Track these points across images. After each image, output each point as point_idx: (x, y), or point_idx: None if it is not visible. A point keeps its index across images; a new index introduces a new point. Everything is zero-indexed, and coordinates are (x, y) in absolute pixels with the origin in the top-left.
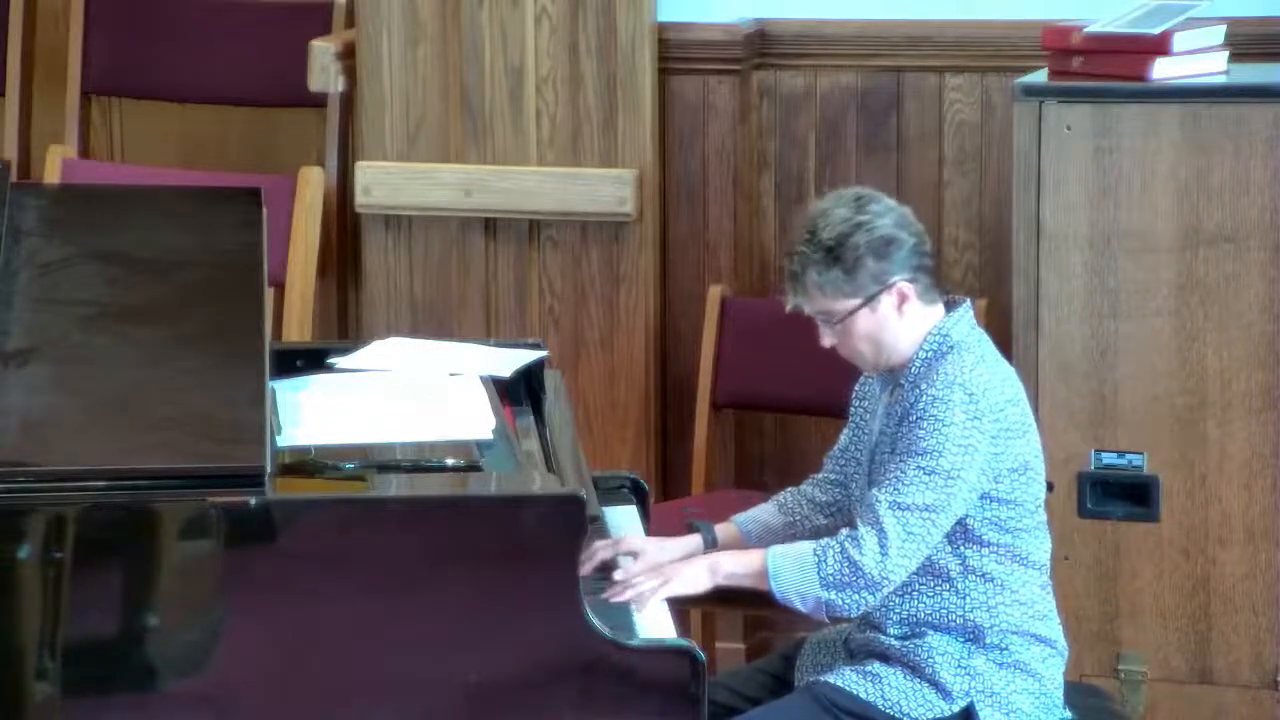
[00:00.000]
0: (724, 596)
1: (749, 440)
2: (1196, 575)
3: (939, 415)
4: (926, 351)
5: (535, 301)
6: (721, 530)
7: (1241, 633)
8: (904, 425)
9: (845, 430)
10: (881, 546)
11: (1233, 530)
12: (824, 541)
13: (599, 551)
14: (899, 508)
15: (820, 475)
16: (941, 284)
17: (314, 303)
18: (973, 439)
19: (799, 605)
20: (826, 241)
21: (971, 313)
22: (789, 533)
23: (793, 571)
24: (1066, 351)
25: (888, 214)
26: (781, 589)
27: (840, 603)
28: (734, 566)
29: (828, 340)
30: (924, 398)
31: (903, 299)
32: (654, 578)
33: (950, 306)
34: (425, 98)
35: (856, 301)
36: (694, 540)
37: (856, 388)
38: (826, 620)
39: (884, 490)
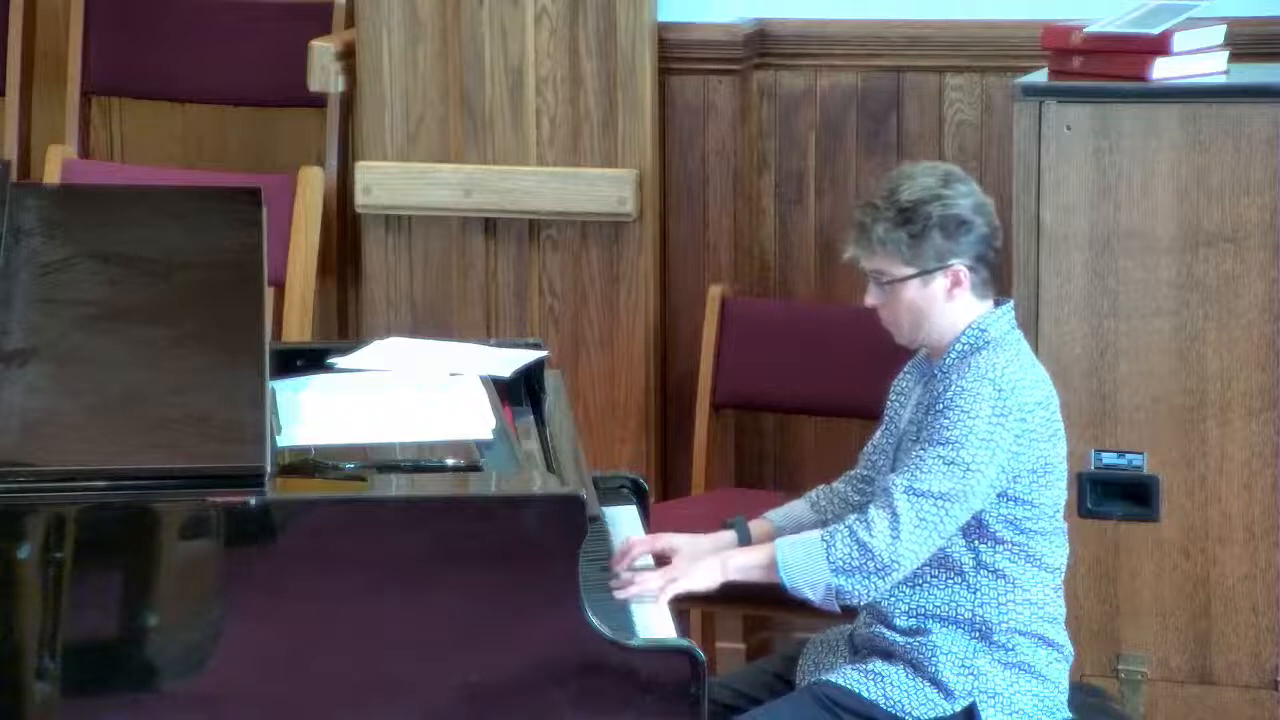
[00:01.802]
0: (726, 595)
1: (749, 440)
2: (1196, 575)
3: (965, 407)
4: (963, 344)
5: (535, 301)
6: (755, 527)
7: (1241, 633)
8: (930, 414)
9: (880, 427)
10: (893, 529)
11: (1233, 530)
12: (832, 527)
13: (635, 547)
14: (914, 493)
15: (854, 472)
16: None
17: (314, 303)
18: (996, 435)
19: (810, 595)
20: (903, 203)
21: (1013, 313)
22: None
23: (801, 559)
24: (1066, 351)
25: (969, 197)
26: (791, 579)
27: (851, 588)
28: (743, 560)
29: (872, 299)
30: (953, 388)
31: (956, 283)
32: (663, 576)
33: (995, 305)
34: (425, 98)
35: (912, 270)
36: (728, 536)
37: (893, 384)
38: (838, 610)
39: (901, 475)
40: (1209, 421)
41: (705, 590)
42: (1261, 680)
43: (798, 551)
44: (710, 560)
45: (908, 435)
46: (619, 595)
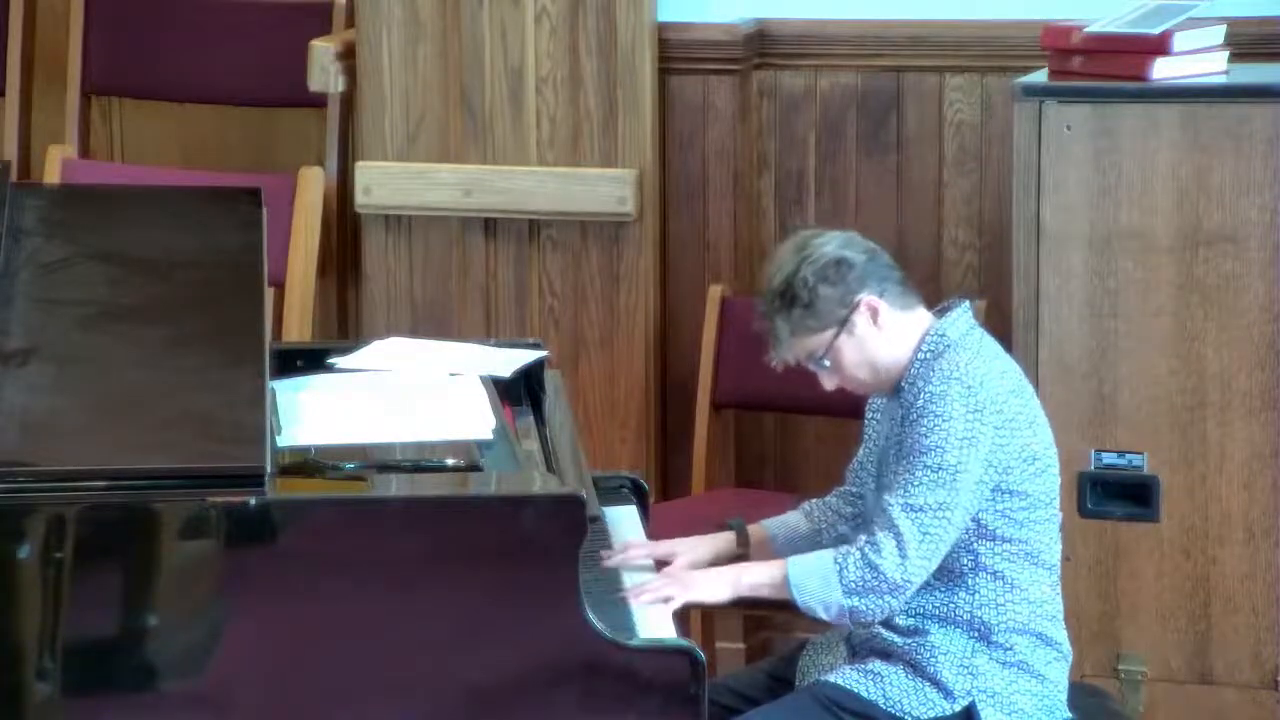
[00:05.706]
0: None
1: (749, 440)
2: (1196, 575)
3: (939, 411)
4: (925, 352)
5: (535, 301)
6: (751, 532)
7: (1241, 633)
8: (906, 425)
9: (861, 445)
10: (900, 549)
11: (1233, 530)
12: (844, 549)
13: (633, 550)
14: (912, 509)
15: (842, 488)
16: (940, 289)
17: (314, 303)
18: (975, 431)
19: (823, 614)
20: (777, 288)
21: (970, 313)
22: (814, 540)
23: (815, 581)
24: (1066, 351)
25: (829, 242)
26: (805, 599)
27: (864, 608)
28: (756, 578)
29: (828, 383)
30: (923, 395)
31: (874, 313)
32: (674, 585)
33: (943, 312)
34: (425, 98)
35: (830, 332)
36: (726, 538)
37: (869, 400)
38: (850, 626)
39: (895, 494)
40: (1209, 421)
41: (714, 603)
42: (1261, 680)
43: (810, 573)
44: (722, 574)
45: (887, 450)
46: (631, 601)
